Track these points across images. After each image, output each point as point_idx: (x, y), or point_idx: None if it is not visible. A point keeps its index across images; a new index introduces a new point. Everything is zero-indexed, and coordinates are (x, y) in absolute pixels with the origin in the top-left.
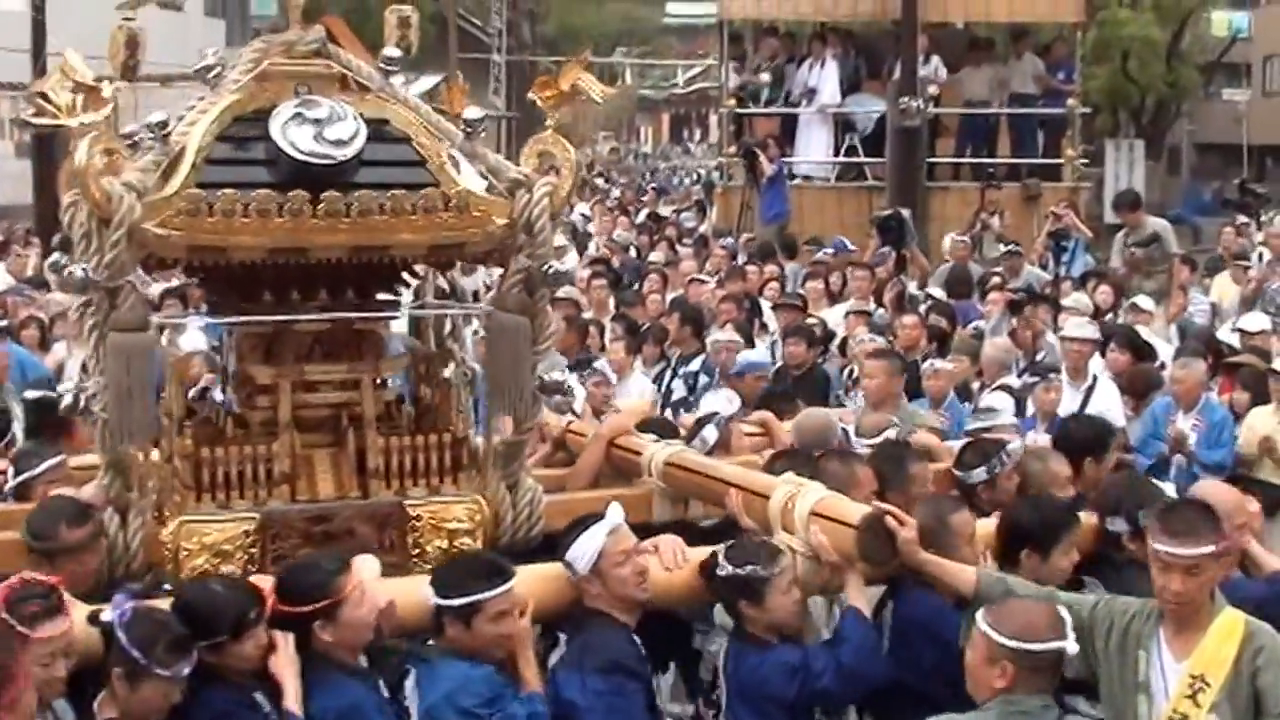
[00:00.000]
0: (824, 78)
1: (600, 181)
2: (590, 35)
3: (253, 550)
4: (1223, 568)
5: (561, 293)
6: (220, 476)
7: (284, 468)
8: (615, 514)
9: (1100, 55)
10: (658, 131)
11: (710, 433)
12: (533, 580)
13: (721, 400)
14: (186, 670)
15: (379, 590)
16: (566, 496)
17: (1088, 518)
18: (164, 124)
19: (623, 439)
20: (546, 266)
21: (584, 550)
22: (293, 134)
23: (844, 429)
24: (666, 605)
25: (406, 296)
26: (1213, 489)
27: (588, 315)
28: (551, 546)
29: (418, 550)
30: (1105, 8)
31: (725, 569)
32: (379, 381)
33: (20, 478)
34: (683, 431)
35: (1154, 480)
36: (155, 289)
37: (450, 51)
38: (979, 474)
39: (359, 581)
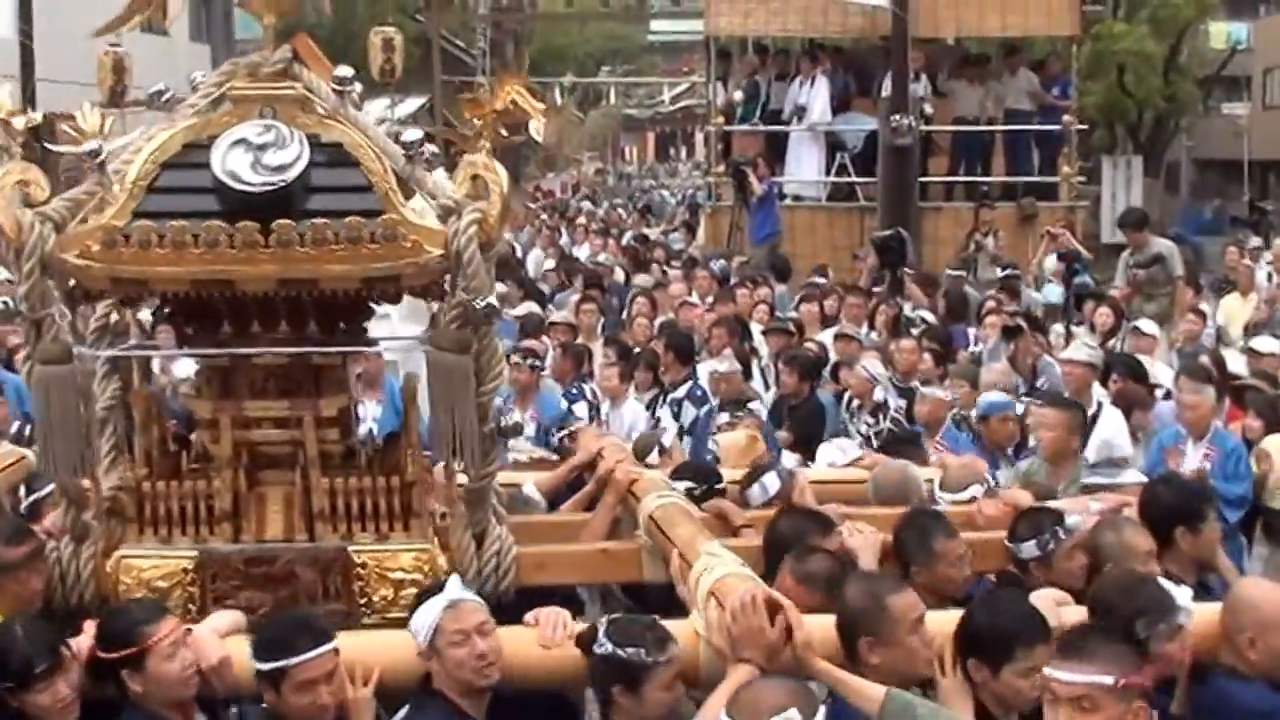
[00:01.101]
0: (814, 95)
1: (587, 204)
2: (574, 55)
3: (191, 589)
4: (1134, 715)
5: (556, 317)
6: (162, 511)
7: (224, 505)
8: (454, 585)
9: (1096, 70)
10: (643, 151)
11: (771, 482)
12: (383, 647)
13: (833, 450)
14: None
15: (210, 646)
16: (542, 549)
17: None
18: (97, 152)
19: (637, 484)
20: (478, 300)
21: (420, 623)
22: (231, 161)
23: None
24: (547, 687)
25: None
26: (1260, 591)
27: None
28: (527, 602)
29: (364, 599)
30: (1100, 21)
31: (604, 646)
32: (328, 418)
33: (31, 498)
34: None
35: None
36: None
37: (434, 73)
38: (1029, 549)
39: (174, 633)
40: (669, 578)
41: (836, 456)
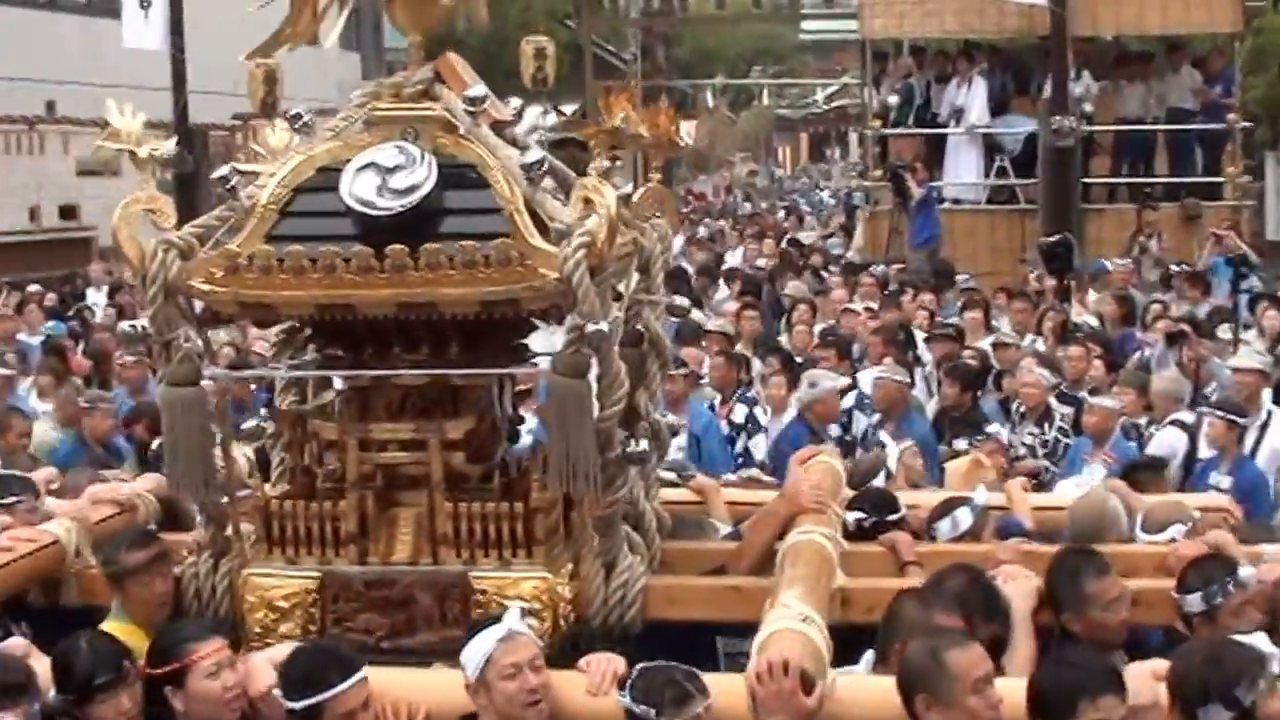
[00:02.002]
0: (971, 97)
1: (748, 205)
2: (725, 56)
3: (312, 610)
4: None
5: (713, 325)
6: (290, 531)
7: (350, 527)
8: (512, 617)
9: (1258, 65)
10: (796, 152)
11: (964, 517)
12: (431, 683)
13: (1072, 487)
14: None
15: (261, 674)
16: (672, 581)
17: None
18: (227, 178)
19: (802, 515)
20: (590, 324)
21: (472, 654)
22: (358, 184)
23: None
24: None
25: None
26: None
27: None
28: (654, 636)
29: None
30: (1261, 15)
31: (624, 698)
32: (453, 441)
33: None
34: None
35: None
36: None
37: (586, 79)
38: (1193, 602)
39: (217, 653)
40: None
41: (1074, 491)
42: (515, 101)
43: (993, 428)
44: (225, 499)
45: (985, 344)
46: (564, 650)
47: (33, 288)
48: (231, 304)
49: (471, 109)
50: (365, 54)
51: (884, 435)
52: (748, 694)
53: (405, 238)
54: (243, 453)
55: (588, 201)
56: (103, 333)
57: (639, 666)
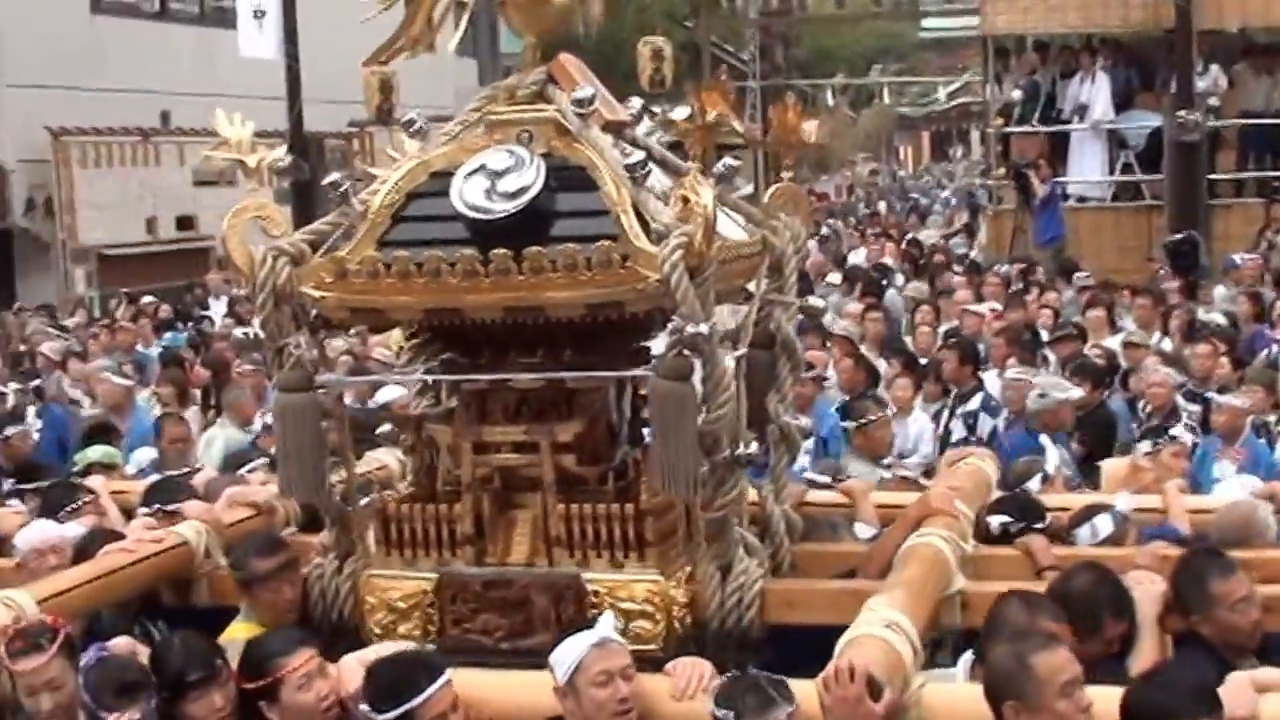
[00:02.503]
0: (1095, 92)
1: (881, 205)
2: (845, 55)
3: (430, 611)
4: None
5: (839, 328)
6: (408, 533)
7: (466, 529)
8: (606, 624)
9: None
10: (918, 150)
11: (1104, 524)
12: (522, 686)
13: (1235, 486)
14: (137, 715)
15: (353, 677)
16: (790, 585)
17: None
18: (338, 184)
19: (931, 518)
20: (689, 327)
21: (563, 658)
22: (467, 188)
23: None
24: None
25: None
26: None
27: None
28: (772, 642)
29: None
30: None
31: (708, 703)
32: (564, 444)
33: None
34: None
35: None
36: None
37: (704, 80)
38: None
39: (308, 664)
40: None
41: (1235, 490)
42: (635, 102)
43: (1177, 430)
44: (346, 502)
45: (1112, 343)
46: (680, 654)
47: (147, 299)
48: (341, 309)
49: (580, 110)
50: (481, 60)
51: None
52: (817, 700)
53: (515, 241)
54: (394, 456)
55: (686, 201)
56: (221, 343)
57: (731, 673)
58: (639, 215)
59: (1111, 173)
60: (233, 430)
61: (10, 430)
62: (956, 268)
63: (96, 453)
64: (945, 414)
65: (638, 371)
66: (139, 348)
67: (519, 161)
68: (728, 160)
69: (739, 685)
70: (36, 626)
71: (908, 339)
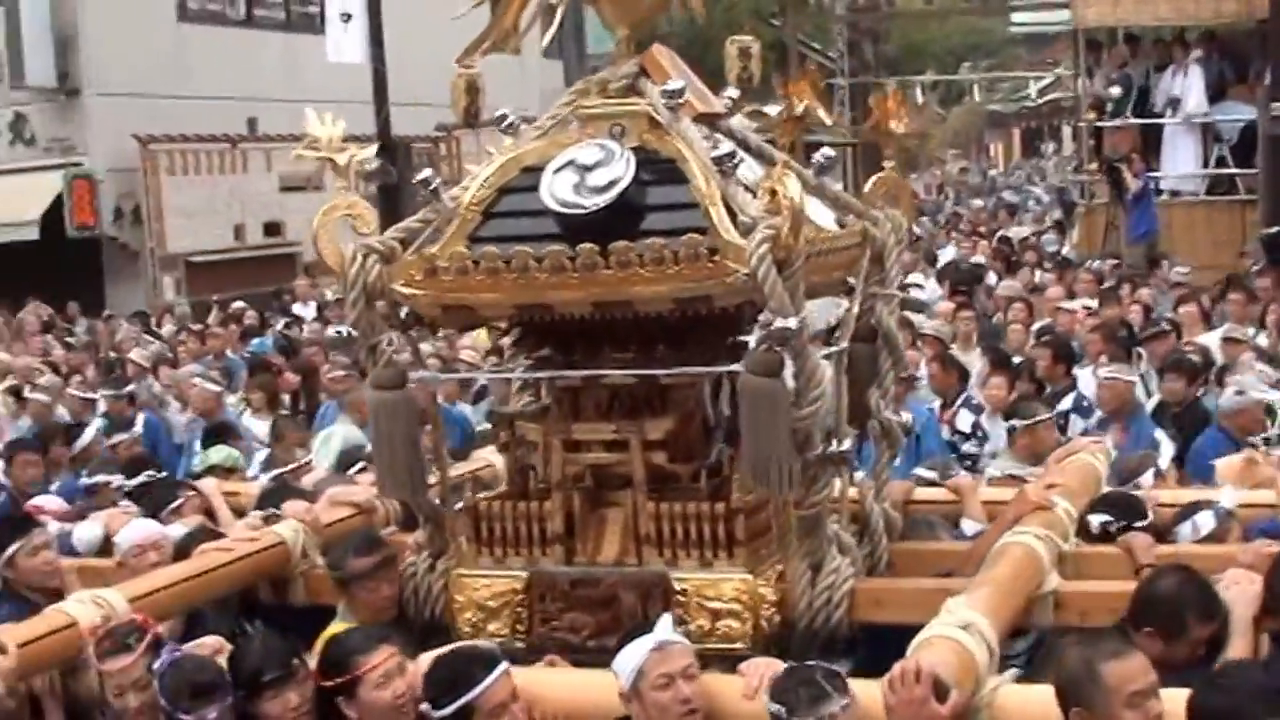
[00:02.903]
0: (1188, 85)
1: (976, 202)
2: (934, 52)
3: (520, 610)
4: None
5: (929, 328)
6: (498, 531)
7: (556, 527)
8: (664, 626)
9: None
10: (1009, 147)
11: (1205, 521)
12: (588, 684)
13: None
14: (213, 715)
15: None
16: (882, 584)
17: None
18: (428, 181)
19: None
20: (778, 321)
21: (625, 662)
22: (556, 183)
23: None
24: None
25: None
26: None
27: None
28: (868, 641)
29: (681, 627)
30: None
31: (764, 698)
32: (655, 441)
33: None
34: None
35: None
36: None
37: (791, 77)
38: None
39: (386, 662)
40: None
41: None
42: (731, 93)
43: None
44: (441, 500)
45: (1205, 339)
46: (769, 652)
47: (237, 304)
48: (432, 307)
49: (671, 102)
50: (568, 61)
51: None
52: (883, 700)
53: (604, 235)
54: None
55: (773, 194)
56: (310, 348)
57: (787, 665)
58: (728, 208)
59: (1205, 166)
60: (351, 428)
61: (119, 437)
62: (1048, 264)
63: (219, 454)
64: None
65: (727, 367)
66: (228, 353)
67: (609, 155)
68: (826, 151)
69: (792, 679)
70: (125, 626)
71: None
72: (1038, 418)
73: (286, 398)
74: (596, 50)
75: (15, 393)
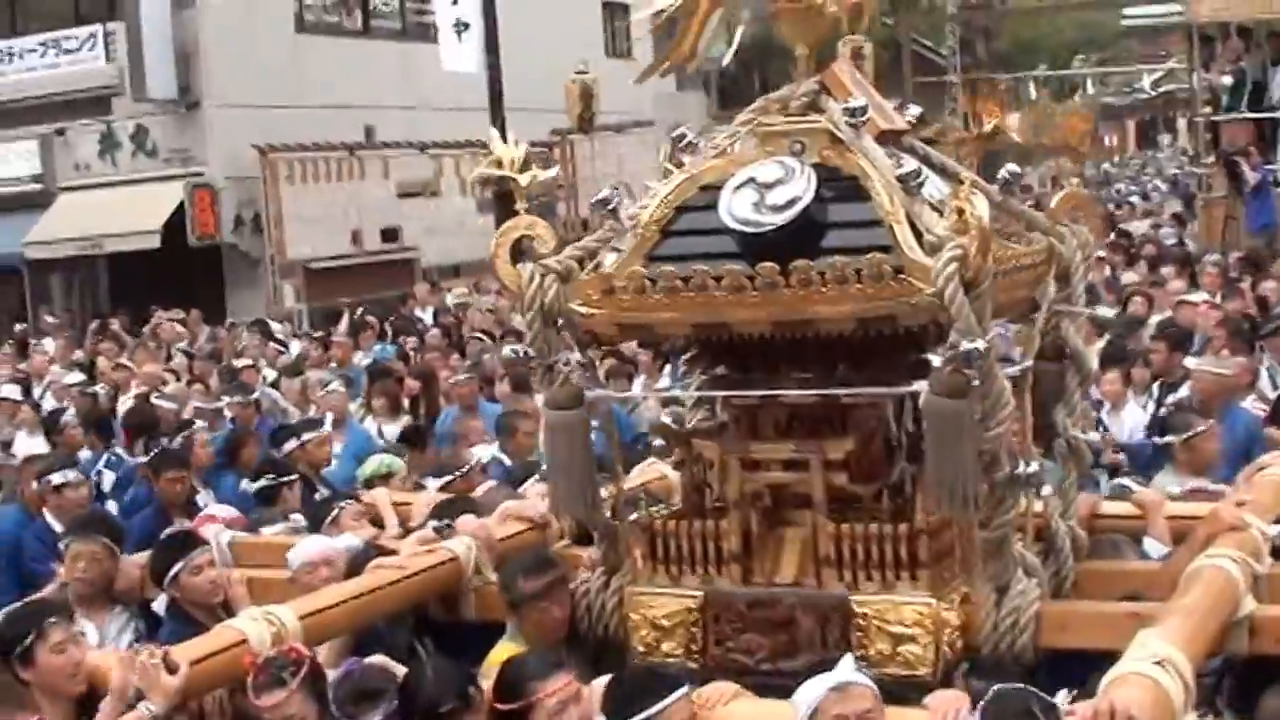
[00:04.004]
0: None
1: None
2: (1047, 46)
3: (694, 630)
4: None
5: None
6: (674, 549)
7: (732, 546)
8: (845, 666)
9: None
10: (1123, 139)
11: None
12: (771, 714)
13: None
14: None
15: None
16: (1067, 607)
17: None
18: (607, 200)
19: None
20: (964, 342)
21: (802, 701)
22: (735, 202)
23: None
24: None
25: None
26: None
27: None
28: (1049, 666)
29: (861, 651)
30: None
31: None
32: (835, 461)
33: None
34: None
35: None
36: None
37: (905, 76)
38: None
39: (562, 690)
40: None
41: None
42: (913, 109)
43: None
44: (614, 517)
45: None
46: (949, 679)
47: (360, 314)
48: (609, 326)
49: (853, 120)
50: (680, 65)
51: None
52: None
53: (784, 254)
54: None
55: (961, 213)
56: (430, 353)
57: (995, 688)
58: (912, 226)
59: None
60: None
61: (308, 435)
62: (1168, 258)
63: (371, 465)
64: (1151, 405)
65: (911, 388)
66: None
67: (789, 173)
68: (1011, 167)
69: (1008, 706)
70: (280, 658)
71: None
72: (1195, 429)
73: (406, 402)
74: (710, 55)
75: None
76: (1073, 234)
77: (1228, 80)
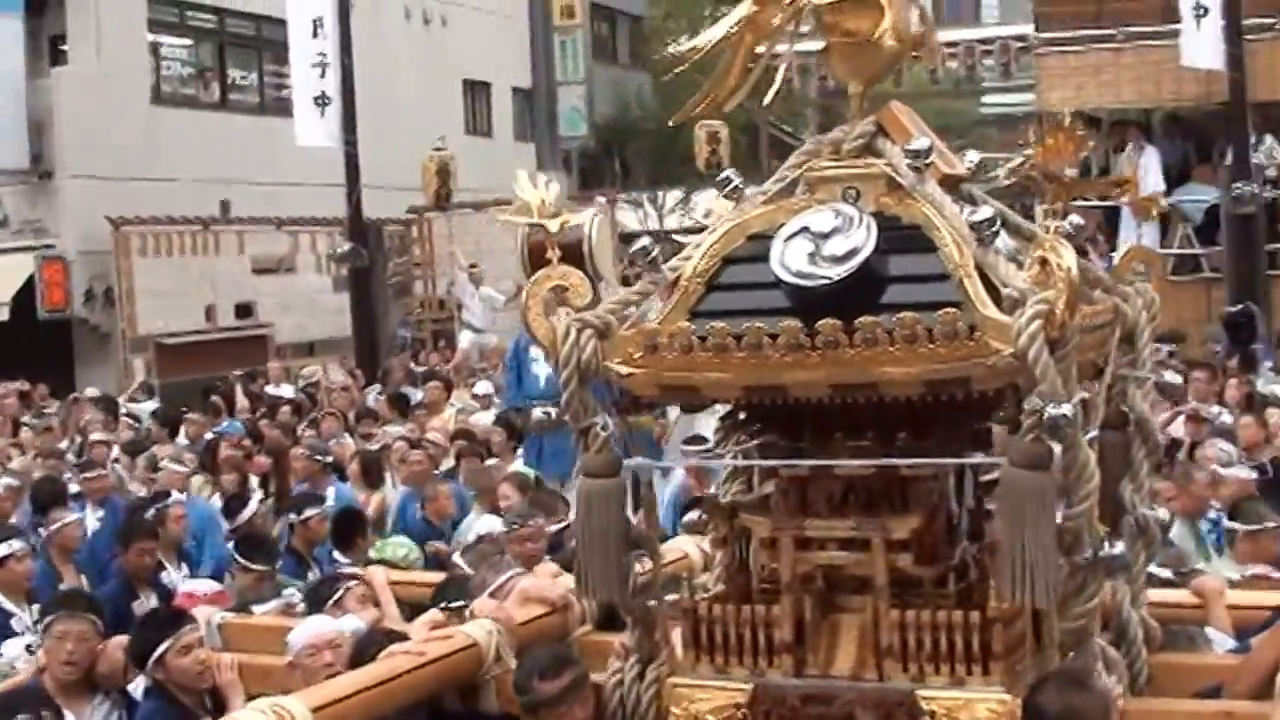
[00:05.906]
0: (1146, 167)
1: None
2: None
3: None
4: None
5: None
6: (719, 637)
7: (785, 635)
8: None
9: None
10: None
11: None
12: None
13: None
14: None
15: None
16: (1154, 705)
17: None
18: (647, 250)
19: None
20: (1049, 408)
21: None
22: (788, 253)
23: None
24: None
25: None
26: None
27: None
28: None
29: None
30: None
31: None
32: (899, 541)
33: None
34: None
35: None
36: None
37: (762, 161)
38: None
39: None
40: None
41: None
42: (972, 155)
43: None
44: (651, 600)
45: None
46: None
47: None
48: (651, 387)
49: (915, 163)
50: (540, 143)
51: None
52: None
53: (843, 309)
54: (694, 544)
55: (1044, 263)
56: (275, 430)
57: None
58: (985, 279)
59: (1165, 246)
60: (489, 517)
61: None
62: None
63: (396, 549)
64: None
65: (988, 459)
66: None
67: (847, 221)
68: (1074, 218)
69: None
70: None
71: None
72: (1266, 525)
73: (255, 480)
74: (568, 133)
75: None
76: (1137, 293)
77: (1072, 171)
